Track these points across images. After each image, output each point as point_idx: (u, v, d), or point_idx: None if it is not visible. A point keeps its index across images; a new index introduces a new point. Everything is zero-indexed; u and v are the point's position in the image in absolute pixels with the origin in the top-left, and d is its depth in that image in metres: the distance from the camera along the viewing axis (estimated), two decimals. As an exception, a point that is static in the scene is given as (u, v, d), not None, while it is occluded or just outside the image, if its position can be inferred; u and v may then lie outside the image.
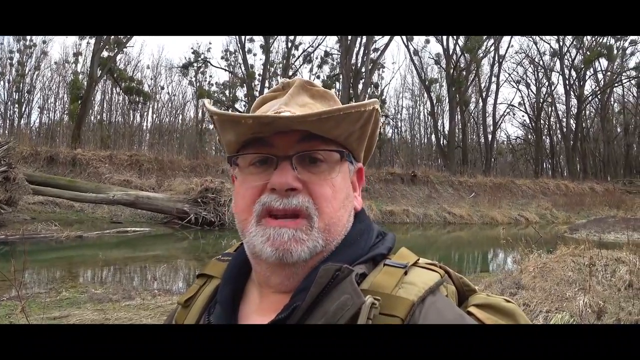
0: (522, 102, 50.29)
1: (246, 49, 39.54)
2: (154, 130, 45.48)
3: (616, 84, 45.12)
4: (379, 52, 36.94)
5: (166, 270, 9.41)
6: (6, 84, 41.74)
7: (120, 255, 11.08)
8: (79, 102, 29.06)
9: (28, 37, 40.82)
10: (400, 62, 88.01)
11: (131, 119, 44.41)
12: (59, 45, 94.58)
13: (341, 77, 35.05)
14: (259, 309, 0.80)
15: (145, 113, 44.88)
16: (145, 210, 16.57)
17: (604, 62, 43.73)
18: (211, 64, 42.56)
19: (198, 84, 45.20)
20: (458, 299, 0.83)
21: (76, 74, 39.43)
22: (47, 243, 12.31)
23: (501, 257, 13.33)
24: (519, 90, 60.75)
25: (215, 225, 15.89)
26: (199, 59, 41.62)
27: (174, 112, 48.91)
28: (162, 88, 47.39)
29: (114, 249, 11.89)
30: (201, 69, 44.02)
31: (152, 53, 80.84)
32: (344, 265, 0.72)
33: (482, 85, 43.30)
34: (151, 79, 46.00)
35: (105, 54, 29.45)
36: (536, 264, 6.25)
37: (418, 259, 0.78)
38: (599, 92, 44.90)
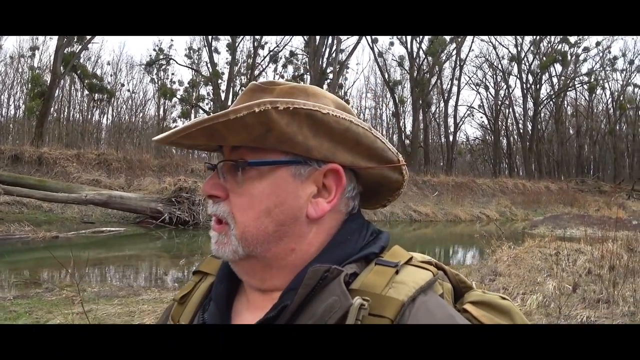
0: (481, 104, 52.18)
1: (212, 48, 39.36)
2: (114, 128, 44.69)
3: (570, 88, 47.50)
4: (347, 53, 37.58)
5: (152, 268, 9.61)
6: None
7: (99, 255, 11.12)
8: (41, 99, 28.32)
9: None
10: (364, 63, 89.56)
11: (90, 116, 43.50)
12: (14, 38, 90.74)
13: (309, 78, 35.46)
14: (248, 307, 0.81)
15: (105, 110, 44.07)
16: (118, 210, 16.50)
17: (558, 67, 45.98)
18: (176, 62, 42.18)
19: (160, 82, 44.68)
20: (454, 296, 0.83)
21: (33, 69, 38.29)
22: (13, 245, 12.11)
23: (470, 250, 14.06)
24: (479, 93, 63.23)
25: (190, 224, 16.01)
26: (161, 56, 41.16)
27: (134, 110, 48.24)
28: (123, 85, 46.63)
29: (90, 250, 11.87)
30: (163, 67, 43.57)
31: (113, 49, 78.81)
32: (333, 266, 0.71)
33: (444, 87, 44.70)
34: (111, 75, 45.19)
35: (67, 49, 28.81)
36: (509, 255, 6.91)
37: (411, 257, 0.76)
38: (553, 95, 47.09)
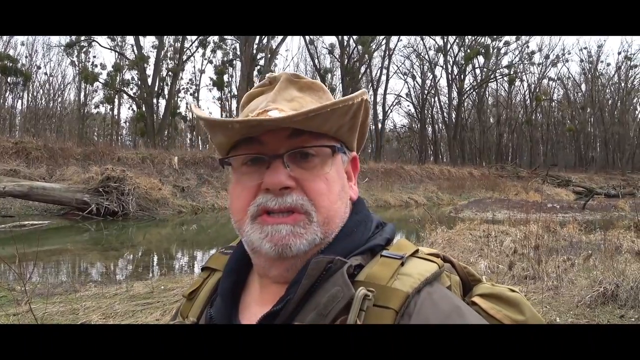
0: (408, 93, 53.97)
1: (140, 35, 37.62)
2: (30, 114, 41.86)
3: (491, 80, 50.13)
4: (278, 40, 37.34)
5: (84, 263, 9.22)
6: None
7: (23, 251, 10.43)
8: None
9: None
10: (294, 50, 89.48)
11: (2, 101, 40.46)
12: None
13: (240, 64, 34.93)
14: (259, 300, 0.80)
15: (19, 95, 41.22)
16: (40, 201, 15.55)
17: (481, 59, 48.37)
18: (99, 44, 40.06)
19: (81, 65, 42.29)
20: (463, 289, 0.83)
21: None
22: None
23: (404, 235, 14.58)
24: (406, 82, 65.48)
25: (119, 215, 15.43)
26: (82, 38, 38.83)
27: (52, 94, 45.43)
28: (39, 68, 43.72)
29: (10, 245, 11.12)
30: (84, 49, 41.23)
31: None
32: (337, 257, 0.72)
33: (374, 76, 45.67)
34: (26, 57, 42.21)
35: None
36: (443, 238, 7.31)
37: (417, 250, 0.77)
38: (476, 86, 49.50)
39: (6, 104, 40.82)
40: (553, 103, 57.82)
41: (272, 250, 0.75)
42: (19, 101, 42.43)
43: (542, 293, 4.89)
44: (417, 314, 0.66)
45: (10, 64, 31.51)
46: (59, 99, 46.10)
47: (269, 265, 0.79)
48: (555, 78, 56.61)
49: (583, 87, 58.41)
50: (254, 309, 0.80)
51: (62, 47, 39.73)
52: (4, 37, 37.38)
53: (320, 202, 0.77)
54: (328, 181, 0.78)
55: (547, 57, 52.64)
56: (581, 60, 58.51)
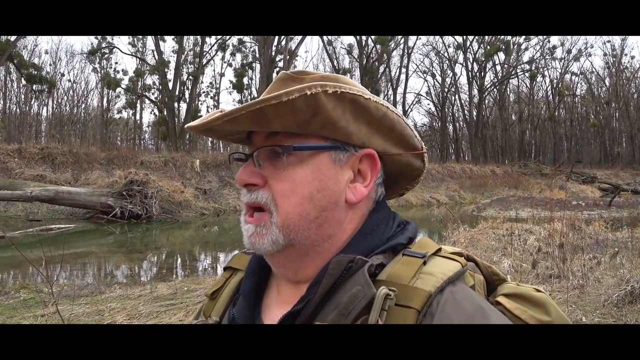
0: (428, 91, 53.67)
1: (158, 35, 38.13)
2: (55, 120, 42.81)
3: (512, 76, 49.48)
4: (297, 41, 37.48)
5: (109, 265, 9.38)
6: None
7: (51, 254, 10.66)
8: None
9: None
10: (313, 51, 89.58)
11: (28, 108, 41.48)
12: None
13: (259, 66, 35.14)
14: (278, 300, 0.80)
15: (44, 102, 42.20)
16: (66, 205, 15.88)
17: (502, 55, 47.70)
18: (120, 51, 40.76)
19: (103, 71, 43.09)
20: (487, 288, 0.82)
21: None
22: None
23: (427, 234, 14.47)
24: (426, 81, 65.00)
25: (143, 218, 15.67)
26: (104, 44, 39.53)
27: (76, 101, 46.38)
28: (63, 75, 44.67)
29: (37, 248, 11.37)
30: (106, 56, 42.01)
31: (51, 37, 74.84)
32: (358, 257, 0.71)
33: (393, 75, 45.47)
34: (50, 65, 43.19)
35: (2, 37, 27.18)
36: (465, 237, 7.24)
37: (440, 249, 0.76)
38: (497, 83, 48.89)
39: (32, 111, 41.88)
40: (576, 98, 56.71)
41: (248, 246, 0.78)
42: (44, 108, 43.50)
43: (568, 292, 4.80)
44: (440, 313, 0.64)
45: (35, 72, 32.23)
46: (83, 105, 47.15)
47: (269, 261, 0.81)
48: (578, 72, 55.58)
49: (607, 81, 57.18)
50: (275, 309, 0.79)
51: (85, 55, 40.49)
52: (29, 47, 38.40)
53: (280, 203, 0.75)
54: (295, 182, 0.75)
55: (569, 51, 51.75)
56: (605, 54, 57.17)
